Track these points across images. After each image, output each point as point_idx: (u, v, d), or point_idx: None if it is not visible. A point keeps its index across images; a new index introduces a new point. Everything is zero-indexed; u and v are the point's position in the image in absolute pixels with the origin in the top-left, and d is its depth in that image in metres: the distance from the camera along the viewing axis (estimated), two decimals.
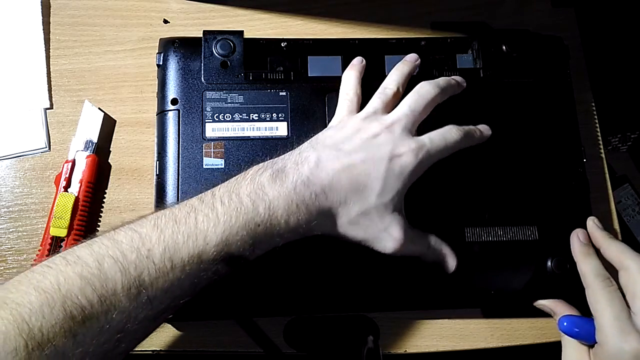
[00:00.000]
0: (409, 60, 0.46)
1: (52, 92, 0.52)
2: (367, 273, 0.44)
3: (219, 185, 0.38)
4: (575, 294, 0.44)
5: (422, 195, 0.45)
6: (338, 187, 0.38)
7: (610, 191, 0.53)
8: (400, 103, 0.43)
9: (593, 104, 0.55)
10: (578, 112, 0.50)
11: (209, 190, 0.38)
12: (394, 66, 0.47)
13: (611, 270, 0.42)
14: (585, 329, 0.40)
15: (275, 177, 0.38)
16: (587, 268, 0.42)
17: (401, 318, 0.48)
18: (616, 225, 0.52)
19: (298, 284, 0.43)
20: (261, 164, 0.39)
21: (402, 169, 0.39)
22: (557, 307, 0.44)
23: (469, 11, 0.57)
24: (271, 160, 0.40)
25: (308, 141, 0.41)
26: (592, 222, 0.45)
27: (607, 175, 0.54)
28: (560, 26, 0.56)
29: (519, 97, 0.48)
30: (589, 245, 0.44)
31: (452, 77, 0.46)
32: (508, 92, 0.48)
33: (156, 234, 0.34)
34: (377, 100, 0.43)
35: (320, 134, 0.42)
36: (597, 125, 0.55)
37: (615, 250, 0.42)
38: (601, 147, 0.54)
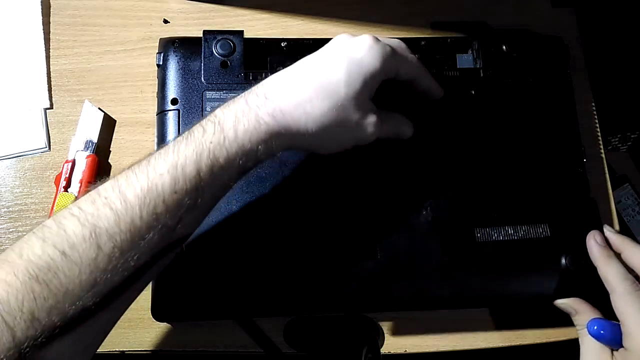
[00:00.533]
0: None
1: (52, 92, 0.52)
2: (368, 273, 0.44)
3: None
4: (592, 291, 0.44)
5: (430, 197, 0.45)
6: (297, 85, 0.37)
7: (610, 191, 0.53)
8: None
9: (593, 104, 0.55)
10: (578, 112, 0.50)
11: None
12: None
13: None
14: (613, 333, 0.40)
15: (228, 104, 0.37)
16: (612, 272, 0.41)
17: (401, 318, 0.48)
18: (616, 225, 0.52)
19: (298, 284, 0.43)
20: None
21: (362, 57, 0.38)
22: (579, 306, 0.43)
23: (469, 11, 0.57)
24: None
25: None
26: (606, 229, 0.45)
27: (607, 175, 0.54)
28: (560, 26, 0.56)
29: (519, 97, 0.48)
30: (608, 248, 0.43)
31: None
32: (508, 92, 0.48)
33: (112, 183, 0.33)
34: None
35: None
36: (597, 125, 0.55)
37: (632, 256, 0.42)
38: (601, 147, 0.54)
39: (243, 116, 0.36)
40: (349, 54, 0.38)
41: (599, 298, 0.42)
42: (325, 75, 0.37)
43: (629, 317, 0.38)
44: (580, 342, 0.43)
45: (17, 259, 0.30)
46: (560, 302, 0.44)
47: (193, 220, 0.36)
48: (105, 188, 0.33)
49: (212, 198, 0.36)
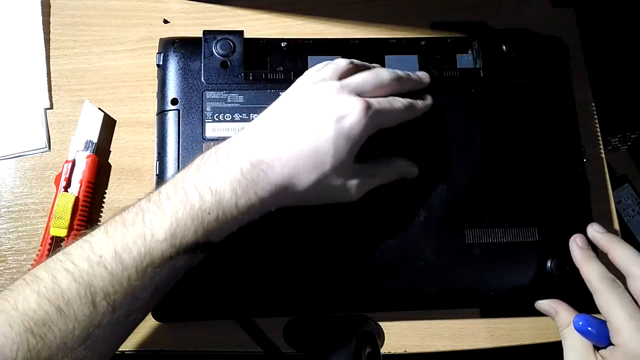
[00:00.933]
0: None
1: (52, 92, 0.52)
2: (367, 273, 0.44)
3: (167, 182, 0.38)
4: (575, 295, 0.44)
5: (422, 196, 0.45)
6: (287, 159, 0.37)
7: (610, 191, 0.53)
8: (353, 75, 0.42)
9: (593, 104, 0.55)
10: (578, 112, 0.50)
11: (157, 189, 0.37)
12: (394, 66, 0.47)
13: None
14: (599, 330, 0.40)
15: (220, 162, 0.37)
16: (591, 272, 0.42)
17: (401, 318, 0.48)
18: (616, 225, 0.52)
19: (298, 284, 0.43)
20: (207, 152, 0.39)
21: (350, 127, 0.38)
22: (558, 307, 0.44)
23: (469, 11, 0.57)
24: (215, 145, 0.39)
25: (252, 121, 0.41)
26: (593, 228, 0.45)
27: (607, 175, 0.54)
28: (560, 26, 0.56)
29: (519, 97, 0.48)
30: (589, 249, 0.44)
31: (416, 72, 0.46)
32: (508, 92, 0.48)
33: (105, 240, 0.34)
34: (329, 69, 0.42)
35: (268, 108, 0.41)
36: (597, 125, 0.55)
37: (623, 256, 0.42)
38: (601, 147, 0.54)
39: (241, 191, 0.36)
40: (338, 123, 0.38)
41: (582, 303, 0.43)
42: (313, 144, 0.38)
43: (614, 313, 0.39)
44: (562, 343, 0.43)
45: (12, 311, 0.31)
46: (540, 303, 0.45)
47: (184, 273, 0.37)
48: (100, 245, 0.34)
49: (206, 253, 0.38)
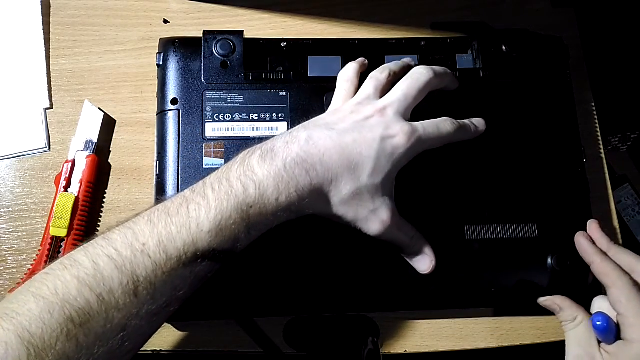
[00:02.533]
0: (404, 61, 0.47)
1: (52, 92, 0.52)
2: (367, 273, 0.44)
3: (211, 174, 0.38)
4: (575, 291, 0.45)
5: (422, 193, 0.45)
6: (329, 165, 0.38)
7: (610, 191, 0.53)
8: (394, 87, 0.43)
9: (593, 104, 0.55)
10: (578, 112, 0.50)
11: (201, 180, 0.37)
12: None
13: None
14: (612, 326, 0.40)
15: (264, 157, 0.37)
16: (610, 267, 0.42)
17: (401, 318, 0.48)
18: (616, 225, 0.52)
19: (298, 284, 0.43)
20: (252, 147, 0.39)
21: (393, 150, 0.39)
22: (563, 303, 0.44)
23: (469, 11, 0.57)
24: (262, 142, 0.39)
25: (301, 124, 0.41)
26: (594, 225, 0.46)
27: (607, 175, 0.54)
28: (560, 26, 0.56)
29: (518, 97, 0.48)
30: (597, 245, 0.45)
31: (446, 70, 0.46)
32: (508, 92, 0.48)
33: (149, 228, 0.34)
34: (370, 85, 0.43)
35: (313, 118, 0.42)
36: (597, 125, 0.55)
37: (626, 257, 0.43)
38: (601, 147, 0.54)
39: (283, 187, 0.36)
40: (382, 143, 0.39)
41: (582, 297, 0.44)
42: (355, 159, 0.38)
43: (632, 310, 0.39)
44: (566, 337, 0.44)
45: (51, 297, 0.30)
46: (544, 300, 0.45)
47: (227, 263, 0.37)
48: (144, 233, 0.34)
49: (248, 244, 0.38)
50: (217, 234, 0.35)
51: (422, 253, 0.43)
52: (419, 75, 0.43)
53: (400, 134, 0.39)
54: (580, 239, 0.45)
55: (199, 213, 0.35)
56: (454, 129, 0.42)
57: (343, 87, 0.44)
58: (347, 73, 0.45)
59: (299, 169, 0.37)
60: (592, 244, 0.44)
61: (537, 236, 0.46)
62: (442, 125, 0.42)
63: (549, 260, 0.45)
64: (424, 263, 0.43)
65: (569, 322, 0.43)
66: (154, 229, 0.34)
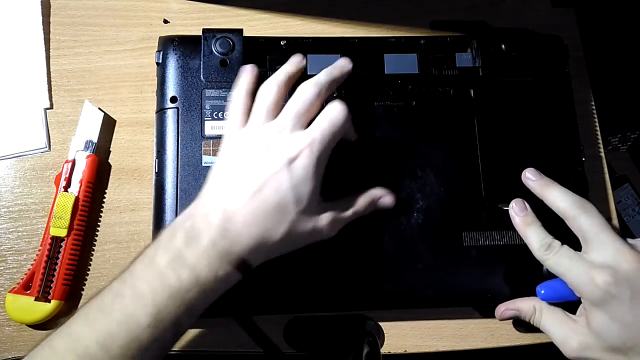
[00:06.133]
0: (290, 63, 0.44)
1: (52, 92, 0.52)
2: (367, 273, 0.44)
3: (134, 261, 0.37)
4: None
5: (419, 198, 0.45)
6: (256, 220, 0.37)
7: (610, 191, 0.53)
8: (284, 108, 0.41)
9: (593, 104, 0.55)
10: (578, 112, 0.50)
11: (127, 269, 0.37)
12: (393, 65, 0.47)
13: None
14: (565, 289, 0.40)
15: (189, 238, 0.37)
16: (533, 240, 0.42)
17: (401, 318, 0.48)
18: (616, 225, 0.52)
19: (298, 283, 0.43)
20: (169, 227, 0.38)
21: (304, 168, 0.38)
22: (516, 305, 0.44)
23: (469, 11, 0.57)
24: (178, 219, 0.39)
25: (206, 185, 0.40)
26: (526, 176, 0.44)
27: (607, 175, 0.54)
28: (560, 26, 0.56)
29: (518, 95, 0.48)
30: (528, 214, 0.43)
31: (335, 64, 0.43)
32: (507, 90, 0.48)
33: (88, 331, 0.34)
34: (260, 110, 0.41)
35: (212, 172, 0.40)
36: (597, 125, 0.55)
37: (558, 200, 0.42)
38: (601, 146, 0.54)
39: (217, 264, 0.37)
40: (290, 168, 0.38)
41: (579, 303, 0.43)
42: (273, 199, 0.38)
43: (567, 274, 0.39)
44: (544, 330, 0.42)
45: None
46: (501, 316, 0.44)
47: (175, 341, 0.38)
48: (83, 335, 0.34)
49: (193, 321, 0.38)
50: (156, 326, 0.35)
51: (377, 201, 0.43)
52: (306, 92, 0.41)
53: (301, 151, 0.38)
54: (510, 212, 0.44)
55: (135, 308, 0.35)
56: (344, 112, 0.40)
57: (232, 112, 0.42)
58: (234, 96, 0.43)
59: (227, 240, 0.37)
60: (523, 214, 0.43)
61: None
62: (332, 115, 0.40)
63: (545, 268, 0.44)
64: (385, 204, 0.43)
65: (533, 316, 0.43)
66: (93, 330, 0.34)
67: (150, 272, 0.36)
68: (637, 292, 0.37)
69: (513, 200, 0.44)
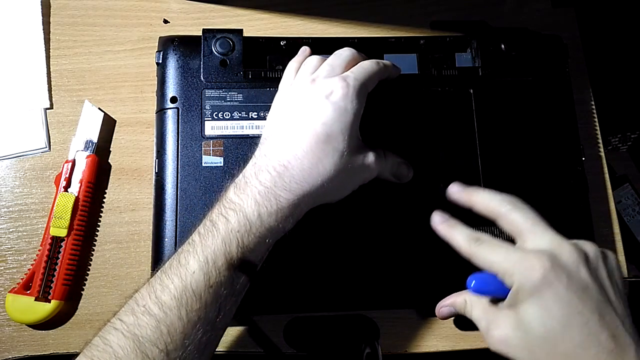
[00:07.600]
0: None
1: (52, 92, 0.52)
2: (367, 272, 0.44)
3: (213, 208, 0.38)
4: None
5: (419, 196, 0.45)
6: (304, 152, 0.38)
7: (610, 191, 0.53)
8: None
9: (593, 104, 0.55)
10: (578, 112, 0.50)
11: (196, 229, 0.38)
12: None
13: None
14: (496, 281, 0.38)
15: (238, 185, 0.38)
16: (458, 238, 0.40)
17: (401, 318, 0.48)
18: (616, 225, 0.52)
19: (298, 283, 0.43)
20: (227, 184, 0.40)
21: (342, 99, 0.39)
22: (449, 301, 0.42)
23: (469, 11, 0.57)
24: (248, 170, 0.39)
25: (261, 138, 0.42)
26: (451, 190, 0.43)
27: (607, 175, 0.53)
28: (560, 26, 0.56)
29: (517, 95, 0.48)
30: (450, 219, 0.42)
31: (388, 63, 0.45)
32: (507, 90, 0.48)
33: (146, 289, 0.35)
34: (306, 67, 0.43)
35: (265, 126, 0.43)
36: (597, 125, 0.55)
37: (486, 202, 0.41)
38: (601, 146, 0.54)
39: (262, 199, 0.37)
40: (329, 100, 0.39)
41: None
42: (323, 130, 0.38)
43: (496, 265, 0.37)
44: (472, 320, 0.40)
45: None
46: (442, 313, 0.42)
47: (233, 305, 0.38)
48: (142, 295, 0.35)
49: (248, 279, 0.38)
50: (207, 272, 0.35)
51: (399, 166, 0.44)
52: (341, 51, 0.43)
53: (336, 86, 0.39)
54: (432, 222, 0.42)
55: (187, 258, 0.36)
56: (375, 61, 0.42)
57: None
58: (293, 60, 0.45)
59: (273, 175, 0.37)
60: (444, 221, 0.42)
61: None
62: (364, 64, 0.42)
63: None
64: (405, 174, 0.45)
65: (464, 307, 0.40)
66: (150, 288, 0.35)
67: (205, 224, 0.37)
68: (572, 285, 0.35)
69: (433, 214, 0.43)
